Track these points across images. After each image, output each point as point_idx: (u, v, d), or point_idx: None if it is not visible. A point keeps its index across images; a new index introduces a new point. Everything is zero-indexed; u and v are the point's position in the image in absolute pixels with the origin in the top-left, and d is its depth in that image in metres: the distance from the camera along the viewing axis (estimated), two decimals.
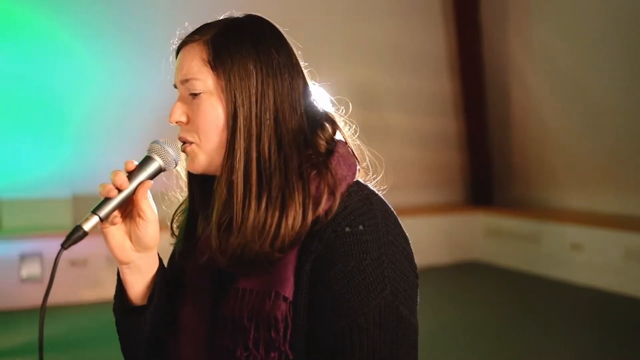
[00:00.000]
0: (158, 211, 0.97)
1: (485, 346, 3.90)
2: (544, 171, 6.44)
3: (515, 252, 6.00)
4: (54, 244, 4.43)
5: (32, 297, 4.28)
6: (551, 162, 6.33)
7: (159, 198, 1.03)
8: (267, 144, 0.93)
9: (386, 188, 1.04)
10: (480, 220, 6.43)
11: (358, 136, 1.07)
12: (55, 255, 0.88)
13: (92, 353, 3.56)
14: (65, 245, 0.90)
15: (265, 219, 0.91)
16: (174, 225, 1.10)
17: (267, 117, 0.94)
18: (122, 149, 4.73)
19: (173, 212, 1.11)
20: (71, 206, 4.89)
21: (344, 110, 1.07)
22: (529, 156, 6.60)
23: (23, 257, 4.43)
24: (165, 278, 1.02)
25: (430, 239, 6.05)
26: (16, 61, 4.97)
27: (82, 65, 5.19)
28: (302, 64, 1.01)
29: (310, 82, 1.02)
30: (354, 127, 1.06)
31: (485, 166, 6.82)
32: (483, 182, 6.85)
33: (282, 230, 0.90)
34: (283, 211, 0.91)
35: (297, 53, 1.00)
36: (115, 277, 1.03)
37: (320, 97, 1.03)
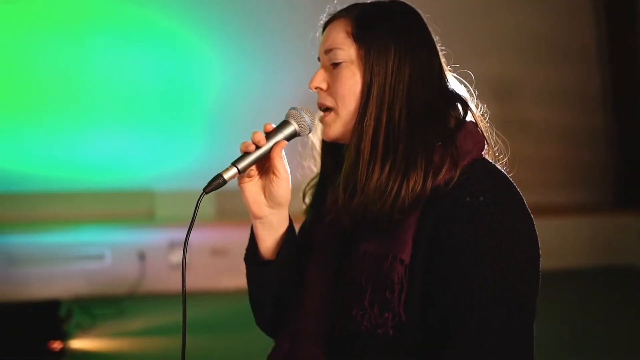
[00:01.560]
0: (292, 182, 1.06)
1: None
2: None
3: None
4: (199, 234, 4.70)
5: (180, 283, 4.57)
6: None
7: (294, 166, 1.12)
8: (397, 112, 0.99)
9: (509, 180, 1.02)
10: (633, 223, 5.91)
11: (494, 130, 1.08)
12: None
13: (230, 337, 3.77)
14: (206, 190, 1.02)
15: (388, 181, 0.96)
16: (307, 198, 1.19)
17: (401, 88, 0.99)
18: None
19: (306, 182, 1.20)
20: (214, 198, 5.17)
21: (476, 100, 1.10)
22: None
23: (172, 246, 4.77)
24: (294, 238, 1.12)
25: (573, 241, 5.67)
26: (153, 59, 5.33)
27: (207, 62, 5.43)
28: (439, 48, 1.06)
29: (446, 66, 1.07)
30: (484, 107, 1.09)
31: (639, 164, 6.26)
32: (637, 182, 6.29)
33: (403, 192, 0.95)
34: (405, 176, 0.96)
35: (435, 38, 1.06)
36: None
37: (455, 83, 1.08)
